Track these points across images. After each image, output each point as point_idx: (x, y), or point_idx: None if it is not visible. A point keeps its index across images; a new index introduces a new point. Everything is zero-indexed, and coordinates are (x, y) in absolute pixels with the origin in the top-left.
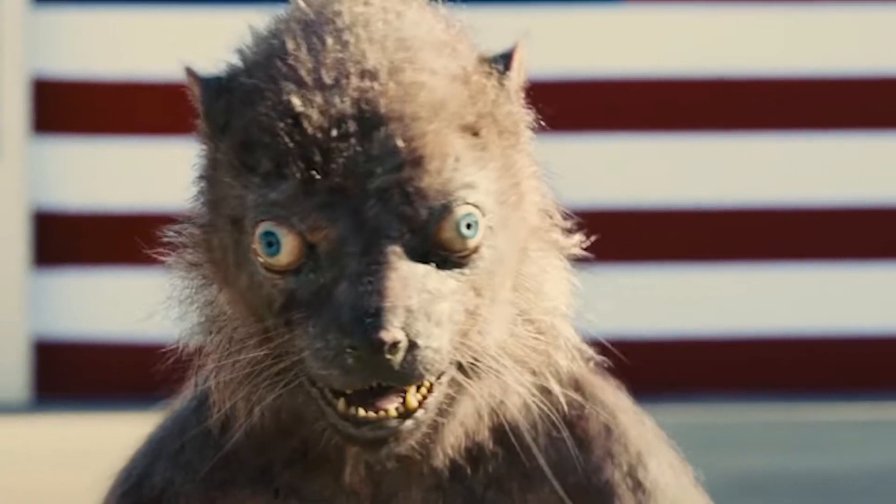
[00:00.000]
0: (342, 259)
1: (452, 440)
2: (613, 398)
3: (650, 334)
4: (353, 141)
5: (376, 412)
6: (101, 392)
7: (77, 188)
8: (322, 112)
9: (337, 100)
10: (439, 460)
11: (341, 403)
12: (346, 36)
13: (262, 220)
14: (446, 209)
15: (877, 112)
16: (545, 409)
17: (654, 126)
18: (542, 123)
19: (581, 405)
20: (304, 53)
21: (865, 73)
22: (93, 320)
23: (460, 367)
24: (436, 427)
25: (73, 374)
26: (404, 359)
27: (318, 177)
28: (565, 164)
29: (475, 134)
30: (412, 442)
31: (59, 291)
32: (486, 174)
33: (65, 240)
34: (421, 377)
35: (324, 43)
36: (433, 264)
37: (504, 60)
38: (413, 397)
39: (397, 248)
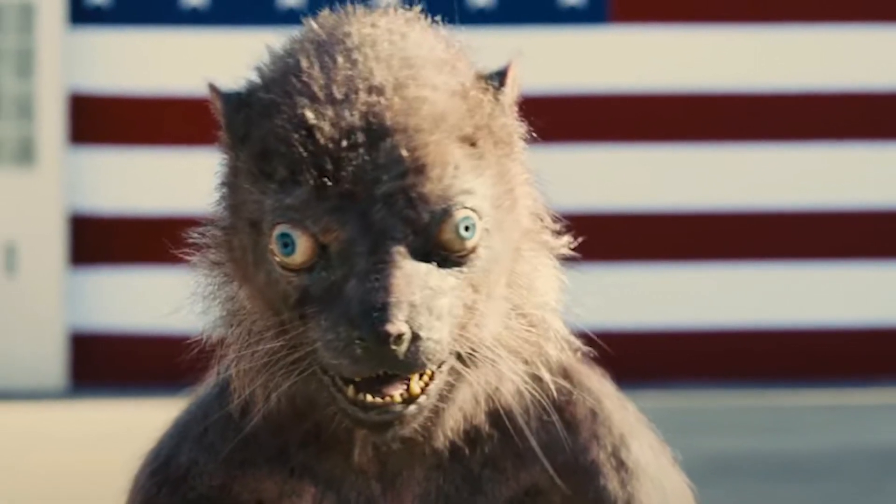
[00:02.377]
0: (351, 258)
1: (452, 423)
2: (598, 385)
3: (632, 327)
4: (361, 151)
5: (382, 398)
6: (132, 380)
7: (109, 194)
8: (333, 124)
9: (347, 113)
10: (440, 442)
11: (351, 390)
12: (355, 55)
13: (279, 223)
14: (446, 213)
15: (838, 124)
16: (536, 395)
17: (635, 137)
18: (534, 135)
19: (569, 391)
20: (316, 71)
21: (827, 88)
22: (124, 314)
23: (459, 356)
24: (437, 412)
25: (106, 364)
26: (408, 349)
27: (329, 183)
28: (555, 172)
29: (473, 144)
30: (415, 425)
31: (93, 288)
32: (483, 181)
33: (98, 241)
34: (423, 366)
35: (335, 61)
36: (434, 263)
37: (499, 77)
38: (416, 384)
39: (402, 249)
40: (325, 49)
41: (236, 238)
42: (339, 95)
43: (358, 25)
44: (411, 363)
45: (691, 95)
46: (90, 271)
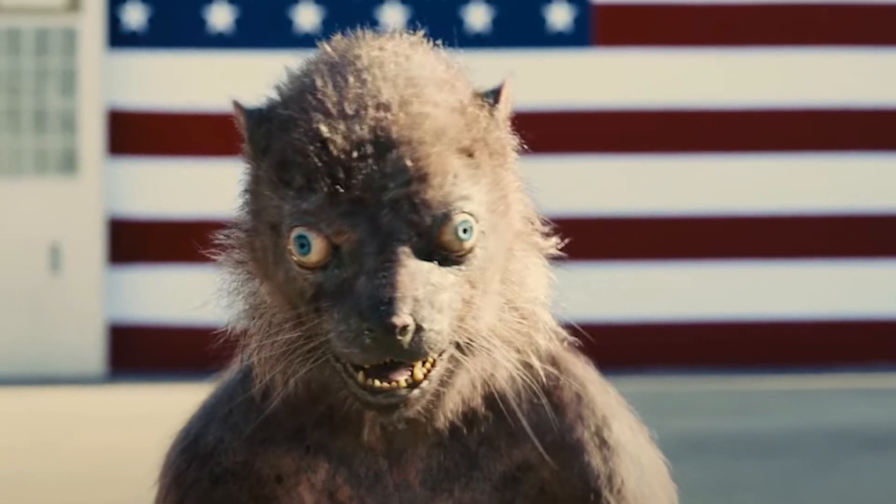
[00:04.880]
0: (361, 257)
1: (451, 406)
2: (583, 371)
3: (613, 319)
4: (370, 161)
5: (389, 383)
6: (165, 367)
7: (144, 200)
8: (345, 137)
9: (357, 127)
10: (441, 422)
11: (360, 376)
12: (365, 75)
13: (296, 226)
14: (447, 217)
15: (797, 138)
16: (527, 380)
17: (616, 149)
18: (525, 146)
19: (557, 377)
20: (330, 89)
21: (788, 105)
22: (158, 308)
23: (458, 345)
24: (438, 395)
25: (141, 352)
26: (412, 339)
27: (341, 190)
28: (544, 180)
29: (470, 155)
30: (419, 407)
31: (129, 284)
32: (479, 188)
33: (134, 242)
34: (426, 354)
35: (346, 80)
36: (436, 262)
37: (494, 95)
38: (419, 371)
39: (406, 249)
40: (337, 70)
41: (258, 240)
42: (350, 111)
43: (367, 48)
44: (415, 351)
45: (667, 111)
46: (127, 269)
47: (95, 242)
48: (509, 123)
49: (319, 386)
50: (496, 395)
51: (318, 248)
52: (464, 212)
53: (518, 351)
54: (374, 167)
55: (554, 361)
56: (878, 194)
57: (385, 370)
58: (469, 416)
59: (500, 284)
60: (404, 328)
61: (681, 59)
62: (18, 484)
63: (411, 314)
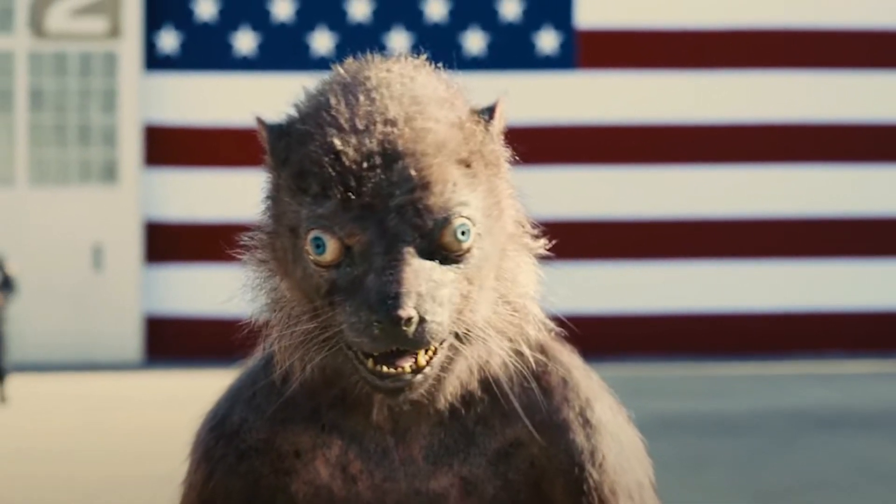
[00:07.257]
0: (371, 257)
1: (451, 389)
2: (569, 358)
3: (596, 312)
4: (378, 171)
5: (396, 369)
6: (195, 354)
7: (177, 205)
8: (356, 150)
9: (367, 141)
10: (441, 404)
11: (370, 362)
12: (374, 94)
13: (312, 229)
14: (447, 220)
15: (760, 150)
16: (519, 366)
17: (598, 160)
18: (517, 158)
19: (545, 363)
20: (342, 107)
21: (751, 121)
22: (189, 302)
23: (457, 335)
24: (439, 380)
25: (174, 342)
26: (416, 330)
27: (353, 197)
28: (534, 188)
29: (468, 166)
30: (422, 390)
31: (164, 281)
32: (476, 195)
33: (168, 243)
34: (428, 343)
35: (357, 99)
36: (437, 261)
37: (489, 112)
38: (422, 358)
39: (411, 249)
40: (349, 89)
41: (278, 241)
42: (360, 126)
43: (376, 70)
44: (418, 341)
45: (643, 127)
46: (162, 268)
47: (133, 244)
48: (503, 137)
49: (333, 371)
50: (491, 380)
51: (332, 248)
52: (462, 216)
53: (510, 340)
54: (382, 176)
55: (542, 349)
56: (831, 200)
57: (392, 357)
58: (467, 399)
59: (495, 281)
60: (409, 320)
61: (656, 80)
62: (66, 458)
63: (415, 307)
